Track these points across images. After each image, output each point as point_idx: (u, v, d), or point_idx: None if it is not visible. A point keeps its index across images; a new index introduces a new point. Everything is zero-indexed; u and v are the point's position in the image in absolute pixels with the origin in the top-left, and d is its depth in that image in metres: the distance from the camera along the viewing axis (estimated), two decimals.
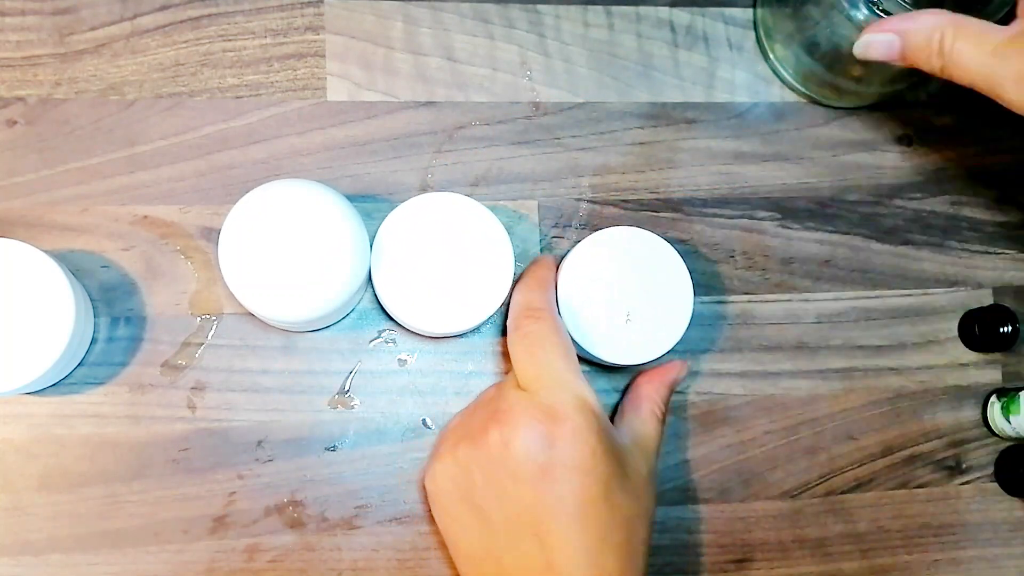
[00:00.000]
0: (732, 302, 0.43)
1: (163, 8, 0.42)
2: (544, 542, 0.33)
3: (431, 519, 0.40)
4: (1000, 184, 0.47)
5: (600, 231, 0.40)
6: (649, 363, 0.40)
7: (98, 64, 0.41)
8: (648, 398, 0.39)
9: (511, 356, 0.37)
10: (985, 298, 0.46)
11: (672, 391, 0.41)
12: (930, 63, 0.35)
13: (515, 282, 0.39)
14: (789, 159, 0.45)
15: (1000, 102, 0.33)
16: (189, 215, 0.40)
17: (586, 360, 0.41)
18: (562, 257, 0.41)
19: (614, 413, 0.41)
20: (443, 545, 0.40)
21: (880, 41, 0.36)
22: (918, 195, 0.46)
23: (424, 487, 0.39)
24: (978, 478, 0.45)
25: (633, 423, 0.39)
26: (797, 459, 0.43)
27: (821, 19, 0.42)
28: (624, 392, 0.41)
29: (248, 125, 0.42)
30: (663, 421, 0.39)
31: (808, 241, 0.45)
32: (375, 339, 0.41)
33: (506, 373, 0.40)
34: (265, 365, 0.40)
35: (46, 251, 0.36)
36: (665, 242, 0.40)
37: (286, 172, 0.41)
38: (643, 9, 0.46)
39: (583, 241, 0.40)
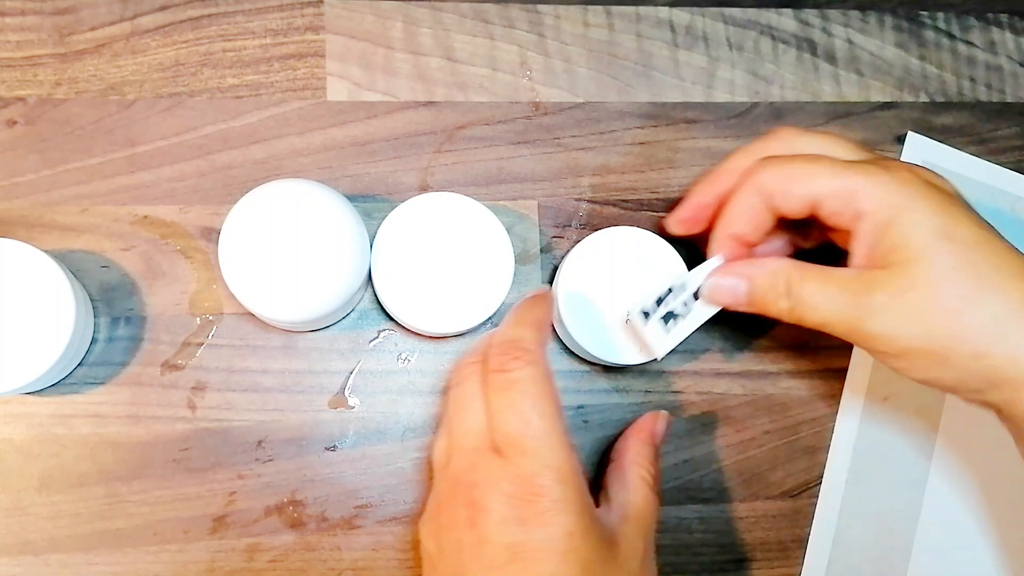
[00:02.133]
0: None
1: (163, 8, 0.42)
2: None
3: None
4: None
5: (600, 231, 0.40)
6: (649, 363, 0.40)
7: (98, 64, 0.41)
8: (633, 464, 0.36)
9: (486, 402, 0.31)
10: None
11: (658, 447, 0.38)
12: (778, 305, 0.34)
13: (509, 308, 0.35)
14: None
15: (860, 339, 0.33)
16: (189, 215, 0.40)
17: (586, 360, 0.41)
18: (562, 257, 0.41)
19: (612, 410, 0.41)
20: None
21: (726, 285, 0.36)
22: None
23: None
24: None
25: (620, 495, 0.35)
26: (797, 459, 0.43)
27: None
28: (608, 459, 0.39)
29: (248, 125, 0.42)
30: (655, 487, 0.36)
31: None
32: (375, 339, 0.41)
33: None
34: (265, 365, 0.40)
35: (46, 251, 0.36)
36: (665, 242, 0.40)
37: (286, 172, 0.41)
38: (643, 9, 0.46)
39: (583, 241, 0.40)
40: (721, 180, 0.38)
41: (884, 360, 0.33)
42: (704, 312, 0.38)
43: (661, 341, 0.38)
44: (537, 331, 0.33)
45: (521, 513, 0.29)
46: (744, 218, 0.36)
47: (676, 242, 0.42)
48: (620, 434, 0.40)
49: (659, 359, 0.38)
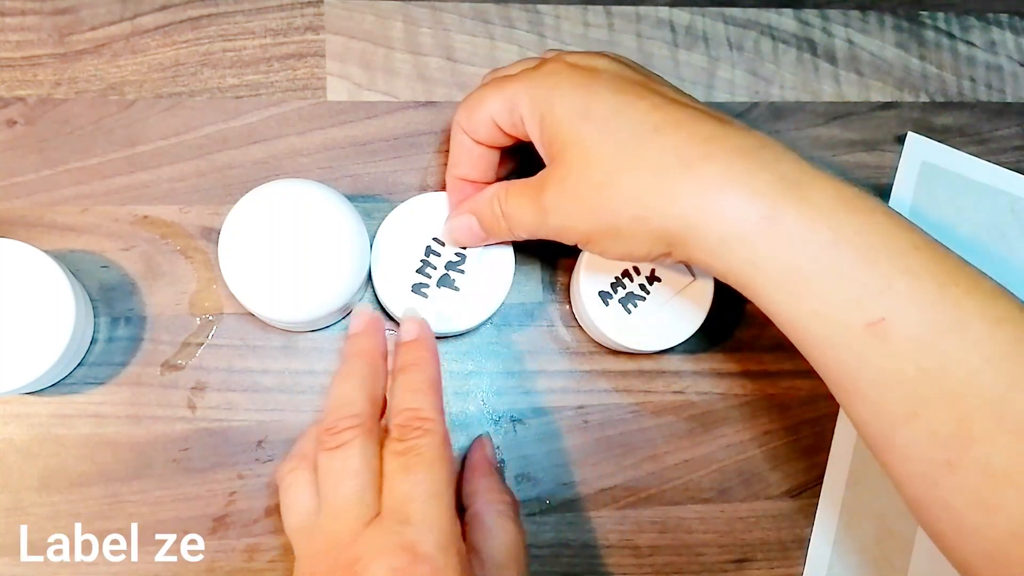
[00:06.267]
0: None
1: (163, 8, 0.42)
2: None
3: None
4: None
5: None
6: (652, 352, 0.40)
7: (98, 64, 0.41)
8: (486, 505, 0.35)
9: (371, 471, 0.30)
10: None
11: (497, 469, 0.38)
12: (501, 229, 0.35)
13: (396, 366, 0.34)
14: None
15: (553, 236, 0.33)
16: (189, 215, 0.40)
17: (590, 356, 0.41)
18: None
19: (612, 410, 0.42)
20: None
21: (461, 226, 0.36)
22: None
23: None
24: None
25: (487, 544, 0.34)
26: (797, 459, 0.43)
27: None
28: (460, 510, 0.36)
29: (248, 125, 0.42)
30: (515, 516, 0.35)
31: None
32: None
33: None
34: (265, 365, 0.40)
35: (46, 251, 0.36)
36: None
37: (286, 172, 0.41)
38: (643, 9, 0.46)
39: None
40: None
41: (585, 249, 0.33)
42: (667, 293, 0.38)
43: (624, 328, 0.38)
44: (435, 395, 0.33)
45: None
46: (461, 158, 0.36)
47: None
48: (462, 478, 0.38)
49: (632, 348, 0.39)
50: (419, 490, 0.30)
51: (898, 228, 0.28)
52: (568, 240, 0.33)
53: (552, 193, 0.32)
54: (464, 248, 0.38)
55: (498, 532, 0.34)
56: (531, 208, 0.33)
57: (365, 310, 0.36)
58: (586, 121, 0.31)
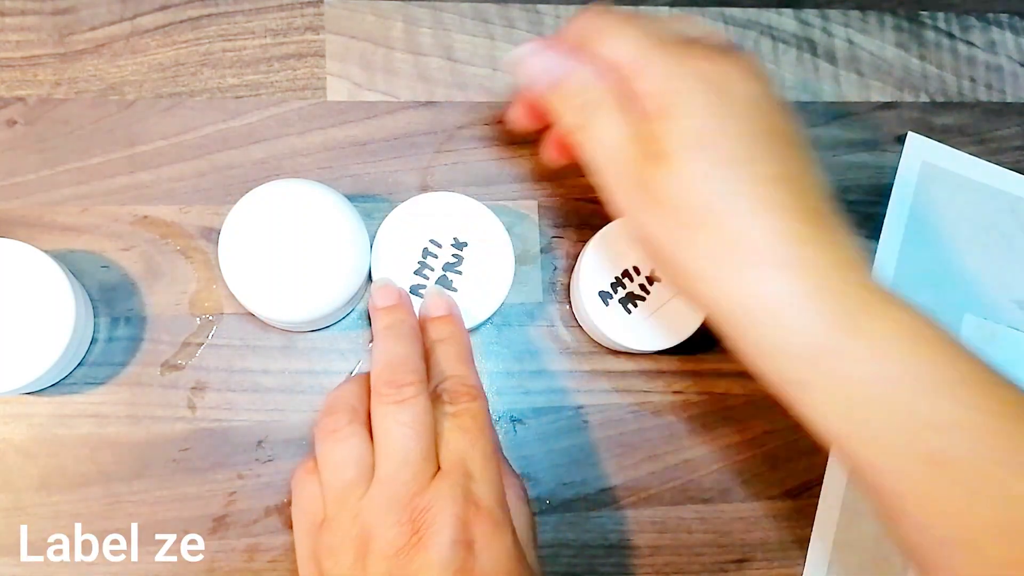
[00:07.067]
0: None
1: (163, 8, 0.42)
2: None
3: None
4: None
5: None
6: (652, 352, 0.40)
7: (98, 64, 0.41)
8: (509, 487, 0.34)
9: (429, 429, 0.32)
10: None
11: (505, 457, 0.37)
12: (566, 117, 0.32)
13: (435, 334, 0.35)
14: None
15: (610, 207, 0.32)
16: (189, 215, 0.40)
17: (596, 343, 0.42)
18: (577, 255, 0.41)
19: (612, 410, 0.41)
20: None
21: (538, 66, 0.32)
22: None
23: None
24: None
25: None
26: (797, 459, 0.43)
27: None
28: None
29: (248, 125, 0.42)
30: (527, 500, 0.35)
31: None
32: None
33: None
34: (265, 365, 0.40)
35: (46, 251, 0.36)
36: None
37: (286, 172, 0.41)
38: (643, 9, 0.46)
39: (608, 226, 0.40)
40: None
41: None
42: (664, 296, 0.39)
43: (623, 328, 0.38)
44: (473, 367, 0.35)
45: (470, 536, 0.30)
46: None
47: None
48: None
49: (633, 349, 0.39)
50: (476, 450, 0.32)
51: (956, 360, 0.28)
52: (626, 233, 0.32)
53: (648, 184, 0.30)
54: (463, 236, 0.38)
55: (517, 513, 0.34)
56: (621, 162, 0.30)
57: (390, 284, 0.37)
58: (698, 151, 0.29)
